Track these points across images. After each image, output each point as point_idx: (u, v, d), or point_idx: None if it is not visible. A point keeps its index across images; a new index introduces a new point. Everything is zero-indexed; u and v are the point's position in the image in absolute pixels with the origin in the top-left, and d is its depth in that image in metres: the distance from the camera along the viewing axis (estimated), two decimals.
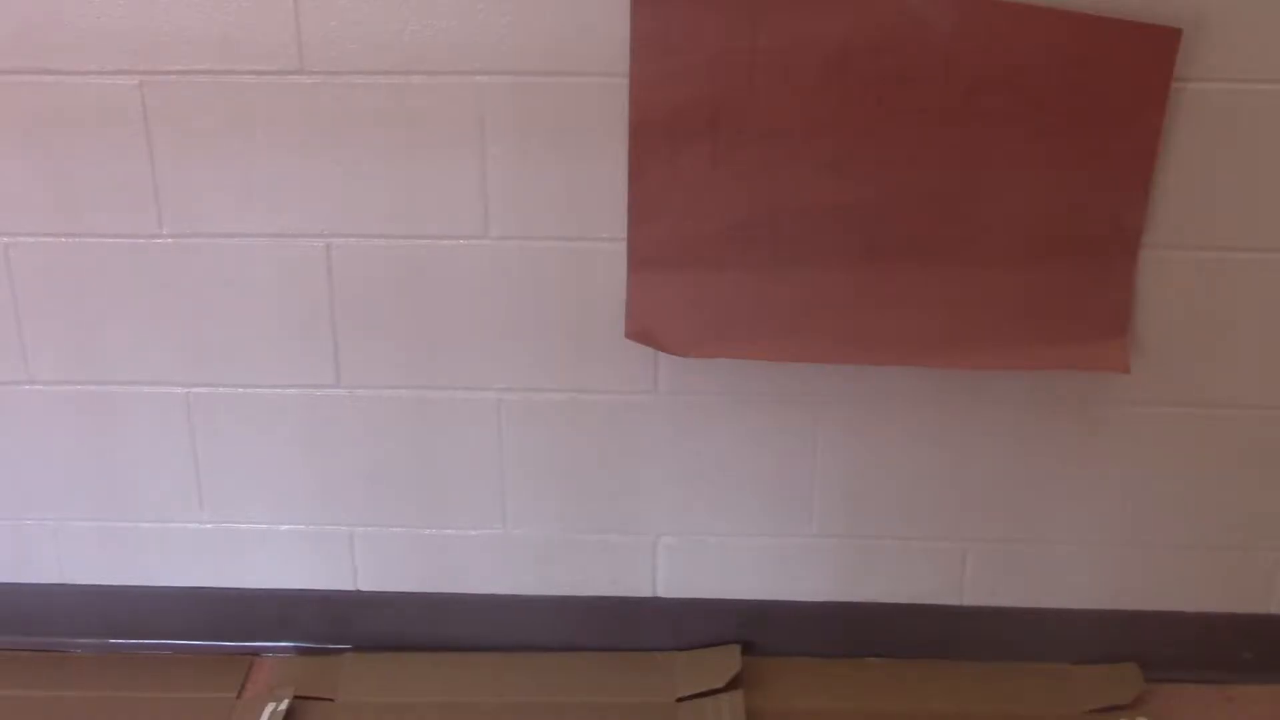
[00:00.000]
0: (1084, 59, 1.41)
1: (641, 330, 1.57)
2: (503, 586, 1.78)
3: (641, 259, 1.53)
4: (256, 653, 1.82)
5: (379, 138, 1.50)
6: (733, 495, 1.70)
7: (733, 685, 1.73)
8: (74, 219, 1.56)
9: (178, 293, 1.60)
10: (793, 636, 1.80)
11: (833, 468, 1.69)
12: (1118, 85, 1.43)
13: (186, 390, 1.66)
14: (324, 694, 1.72)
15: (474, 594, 1.78)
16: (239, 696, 1.74)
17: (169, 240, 1.57)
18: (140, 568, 1.79)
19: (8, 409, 1.68)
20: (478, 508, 1.72)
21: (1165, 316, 1.57)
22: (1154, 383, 1.61)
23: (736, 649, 1.78)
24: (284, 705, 1.67)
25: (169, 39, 1.46)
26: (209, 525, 1.75)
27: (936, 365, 1.57)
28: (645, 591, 1.78)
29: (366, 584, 1.78)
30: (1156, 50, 1.41)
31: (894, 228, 1.50)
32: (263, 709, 1.67)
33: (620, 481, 1.70)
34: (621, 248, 1.53)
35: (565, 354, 1.62)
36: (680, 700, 1.71)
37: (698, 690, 1.72)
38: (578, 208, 1.53)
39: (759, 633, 1.79)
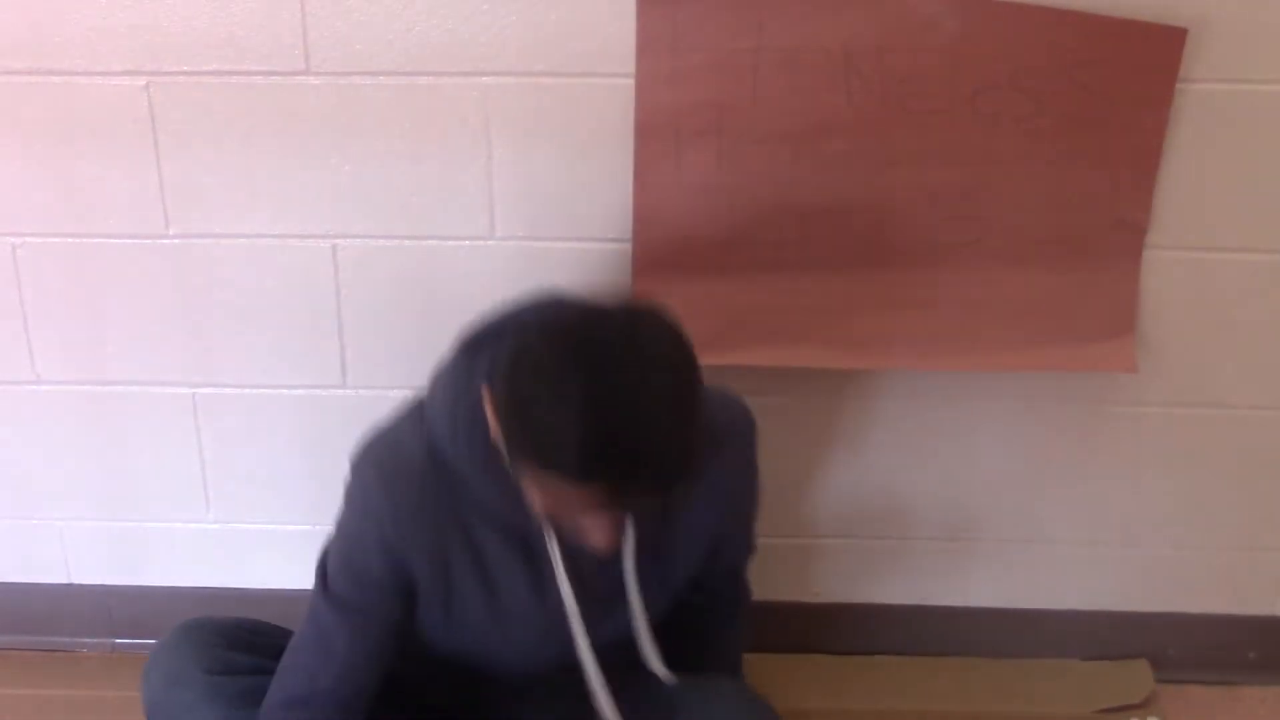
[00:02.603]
0: (1089, 59, 1.41)
1: None
2: None
3: (647, 262, 1.53)
4: None
5: (385, 139, 1.50)
6: None
7: None
8: (81, 219, 1.56)
9: (184, 293, 1.60)
10: (795, 637, 1.80)
11: (835, 468, 1.69)
12: (1123, 85, 1.43)
13: (193, 391, 1.66)
14: None
15: None
16: None
17: (175, 241, 1.57)
18: (146, 568, 1.79)
19: (15, 409, 1.69)
20: None
21: (1168, 317, 1.57)
22: (1157, 383, 1.61)
23: None
24: None
25: (176, 40, 1.46)
26: (215, 526, 1.75)
27: (942, 368, 1.57)
28: None
29: None
30: (1162, 50, 1.41)
31: (899, 229, 1.50)
32: None
33: None
34: (627, 249, 1.53)
35: None
36: None
37: None
38: (583, 209, 1.53)
39: (761, 633, 1.79)
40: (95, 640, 1.84)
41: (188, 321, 1.62)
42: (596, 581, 1.22)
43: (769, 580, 1.77)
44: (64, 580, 1.81)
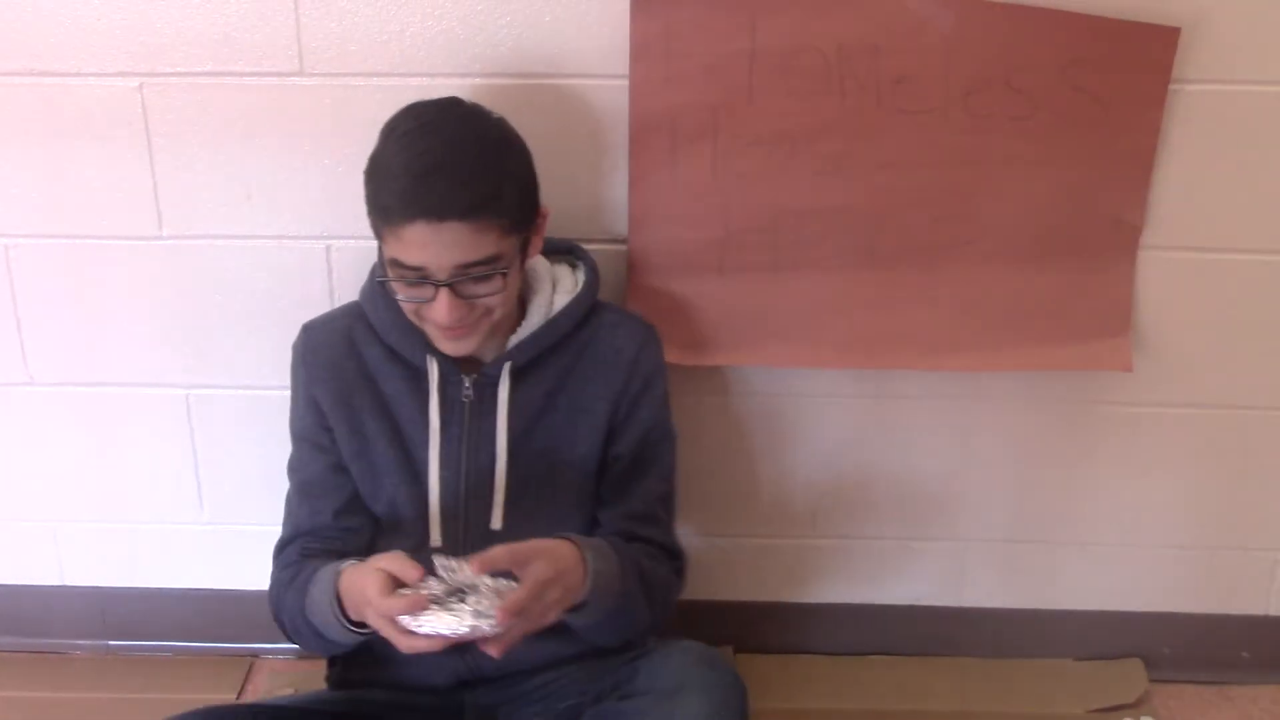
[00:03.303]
0: (1082, 59, 1.42)
1: None
2: None
3: (643, 263, 1.53)
4: (256, 654, 1.82)
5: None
6: (735, 497, 1.71)
7: None
8: (74, 220, 1.56)
9: (178, 294, 1.60)
10: (791, 637, 1.80)
11: (833, 468, 1.69)
12: (1116, 84, 1.43)
13: (186, 391, 1.66)
14: None
15: None
16: (238, 697, 1.74)
17: (169, 241, 1.57)
18: (140, 569, 1.79)
19: (8, 410, 1.68)
20: None
21: (1165, 318, 1.57)
22: (1153, 383, 1.61)
23: (729, 650, 1.77)
24: None
25: (169, 40, 1.46)
26: (209, 526, 1.75)
27: (939, 368, 1.57)
28: None
29: None
30: (1155, 49, 1.41)
31: (894, 230, 1.51)
32: None
33: None
34: (623, 250, 1.53)
35: None
36: None
37: None
38: (578, 210, 1.53)
39: (757, 633, 1.80)
40: (89, 642, 1.84)
41: (181, 322, 1.62)
42: (478, 440, 1.36)
43: (766, 580, 1.77)
44: (57, 582, 1.81)
